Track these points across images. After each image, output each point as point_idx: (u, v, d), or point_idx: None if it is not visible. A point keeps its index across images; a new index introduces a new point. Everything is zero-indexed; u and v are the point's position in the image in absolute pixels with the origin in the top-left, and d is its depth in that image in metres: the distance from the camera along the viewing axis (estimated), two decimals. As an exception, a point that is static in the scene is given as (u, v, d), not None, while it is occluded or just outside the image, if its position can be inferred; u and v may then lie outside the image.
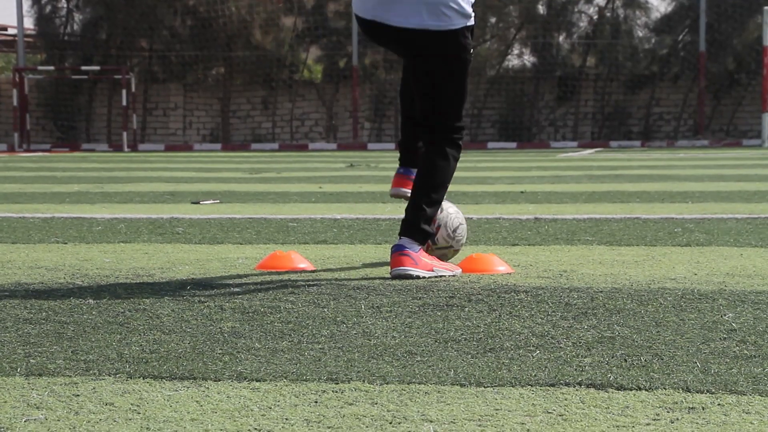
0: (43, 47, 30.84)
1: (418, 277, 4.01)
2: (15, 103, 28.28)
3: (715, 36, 28.90)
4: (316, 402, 2.29)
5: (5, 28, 33.41)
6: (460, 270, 4.17)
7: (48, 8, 30.46)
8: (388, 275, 4.14)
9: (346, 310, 3.35)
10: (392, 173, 13.85)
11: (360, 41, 29.46)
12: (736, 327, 3.04)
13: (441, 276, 4.06)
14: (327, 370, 2.57)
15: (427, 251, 4.26)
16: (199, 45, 30.02)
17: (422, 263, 4.05)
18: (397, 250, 4.06)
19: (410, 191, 4.28)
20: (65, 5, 30.58)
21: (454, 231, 4.32)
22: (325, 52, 30.48)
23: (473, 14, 4.17)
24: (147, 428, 2.10)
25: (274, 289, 3.80)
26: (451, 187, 10.27)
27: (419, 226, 4.11)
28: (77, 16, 30.70)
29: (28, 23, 30.75)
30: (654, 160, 16.85)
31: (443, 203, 4.33)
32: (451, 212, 4.35)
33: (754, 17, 29.01)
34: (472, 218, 6.62)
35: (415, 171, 4.30)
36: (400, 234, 4.13)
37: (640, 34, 30.07)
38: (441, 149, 4.20)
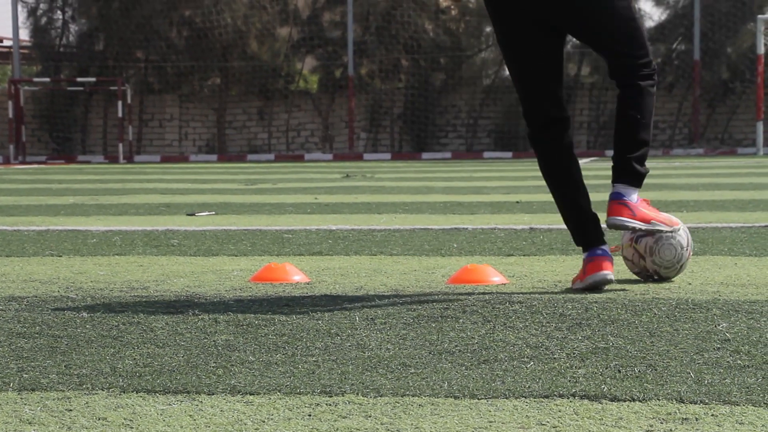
0: (39, 59, 30.85)
1: (634, 229, 3.85)
2: (11, 114, 28.28)
3: (709, 45, 28.95)
4: (309, 415, 2.29)
5: (0, 40, 33.42)
6: (680, 225, 3.97)
7: (43, 20, 30.47)
8: (383, 286, 4.14)
9: (341, 322, 3.35)
10: (388, 184, 13.87)
11: (356, 51, 29.46)
12: (730, 337, 3.04)
13: (657, 229, 3.88)
14: (321, 383, 2.57)
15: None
16: (195, 55, 30.04)
17: (640, 214, 3.85)
18: (615, 198, 3.85)
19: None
20: (61, 17, 30.60)
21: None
22: (320, 62, 30.51)
23: None
24: (140, 443, 2.10)
25: (268, 301, 3.80)
26: (446, 197, 10.30)
27: (632, 167, 3.88)
28: (73, 28, 30.72)
29: (24, 35, 30.78)
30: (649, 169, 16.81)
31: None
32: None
33: (747, 25, 29.07)
34: (467, 228, 6.62)
35: (606, 247, 3.95)
36: (614, 180, 3.91)
37: (635, 43, 30.09)
38: (637, 86, 3.89)
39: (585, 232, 3.98)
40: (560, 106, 4.01)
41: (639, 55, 3.92)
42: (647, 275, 4.15)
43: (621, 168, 3.91)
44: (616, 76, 3.95)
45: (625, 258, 4.19)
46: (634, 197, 3.90)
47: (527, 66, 3.96)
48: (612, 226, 3.87)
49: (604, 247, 3.95)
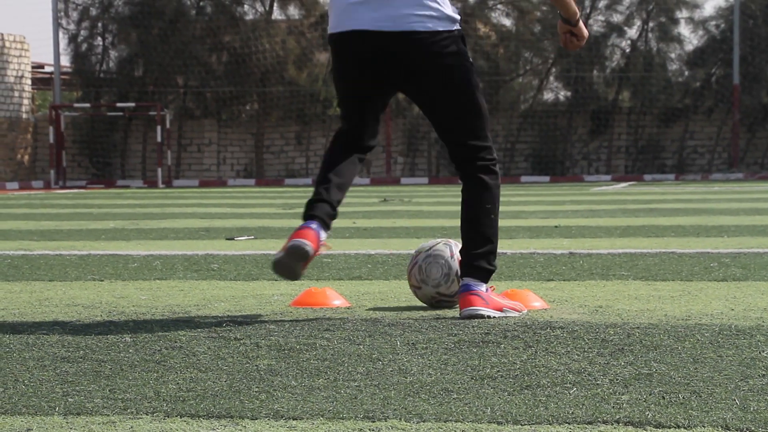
0: (79, 85, 31.15)
1: (489, 317, 3.89)
2: (51, 140, 28.55)
3: (749, 69, 28.80)
4: (352, 440, 2.29)
5: (42, 66, 33.78)
6: (526, 310, 4.06)
7: (84, 46, 30.78)
8: (423, 311, 4.14)
9: (382, 347, 3.35)
10: (426, 208, 13.86)
11: (393, 76, 29.51)
12: (775, 363, 3.02)
13: (510, 316, 3.94)
14: (363, 408, 2.57)
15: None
16: (234, 81, 30.23)
17: (492, 302, 3.94)
18: (465, 290, 3.94)
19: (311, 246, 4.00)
20: (101, 43, 30.90)
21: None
22: (358, 87, 30.58)
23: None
24: (185, 467, 2.11)
25: (309, 326, 3.81)
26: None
27: (479, 265, 3.97)
28: (113, 54, 31.00)
29: (65, 61, 31.09)
30: (688, 194, 16.76)
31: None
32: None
33: (788, 49, 28.90)
34: (506, 253, 6.61)
35: (318, 225, 4.05)
36: (462, 275, 4.00)
37: (674, 67, 30.01)
38: (476, 178, 4.03)
39: (314, 209, 4.09)
40: (375, 136, 4.22)
41: (476, 142, 4.04)
42: (434, 303, 4.20)
43: (468, 264, 3.99)
44: (456, 166, 4.09)
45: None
46: (483, 287, 3.96)
47: (356, 109, 4.14)
48: (467, 317, 3.90)
49: (316, 222, 4.07)
